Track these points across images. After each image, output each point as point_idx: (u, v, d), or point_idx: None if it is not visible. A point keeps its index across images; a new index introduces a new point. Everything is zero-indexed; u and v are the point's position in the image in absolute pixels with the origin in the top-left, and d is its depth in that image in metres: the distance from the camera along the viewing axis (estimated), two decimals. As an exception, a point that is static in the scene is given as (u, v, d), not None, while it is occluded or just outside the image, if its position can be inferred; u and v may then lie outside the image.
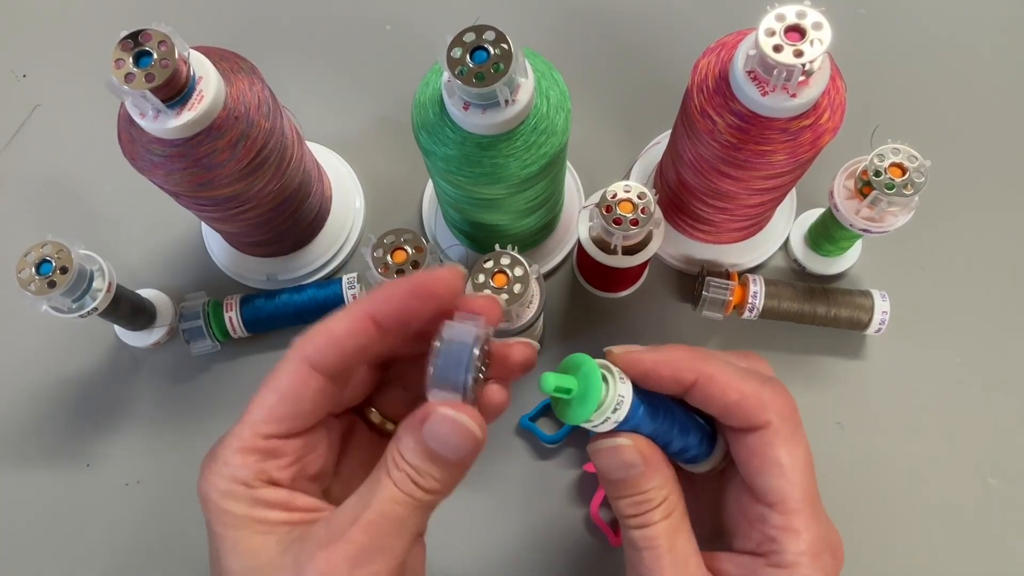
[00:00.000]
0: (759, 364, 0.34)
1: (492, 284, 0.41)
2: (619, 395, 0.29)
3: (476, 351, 0.26)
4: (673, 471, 0.31)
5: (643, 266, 0.52)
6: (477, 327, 0.27)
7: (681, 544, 0.29)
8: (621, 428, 0.30)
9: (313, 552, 0.26)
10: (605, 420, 0.29)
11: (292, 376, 0.27)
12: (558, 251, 0.55)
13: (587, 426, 0.29)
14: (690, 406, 0.31)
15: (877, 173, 0.45)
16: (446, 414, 0.26)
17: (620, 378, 0.29)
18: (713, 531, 0.33)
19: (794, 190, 0.54)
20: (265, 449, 0.27)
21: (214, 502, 0.27)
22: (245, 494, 0.27)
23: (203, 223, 0.57)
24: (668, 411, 0.31)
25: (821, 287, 0.53)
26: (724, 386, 0.29)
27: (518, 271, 0.42)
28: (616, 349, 0.30)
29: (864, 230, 0.48)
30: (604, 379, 0.29)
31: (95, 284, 0.47)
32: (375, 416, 0.33)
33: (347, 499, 0.27)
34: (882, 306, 0.51)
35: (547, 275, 0.56)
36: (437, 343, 0.26)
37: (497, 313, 0.29)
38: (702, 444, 0.31)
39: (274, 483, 0.27)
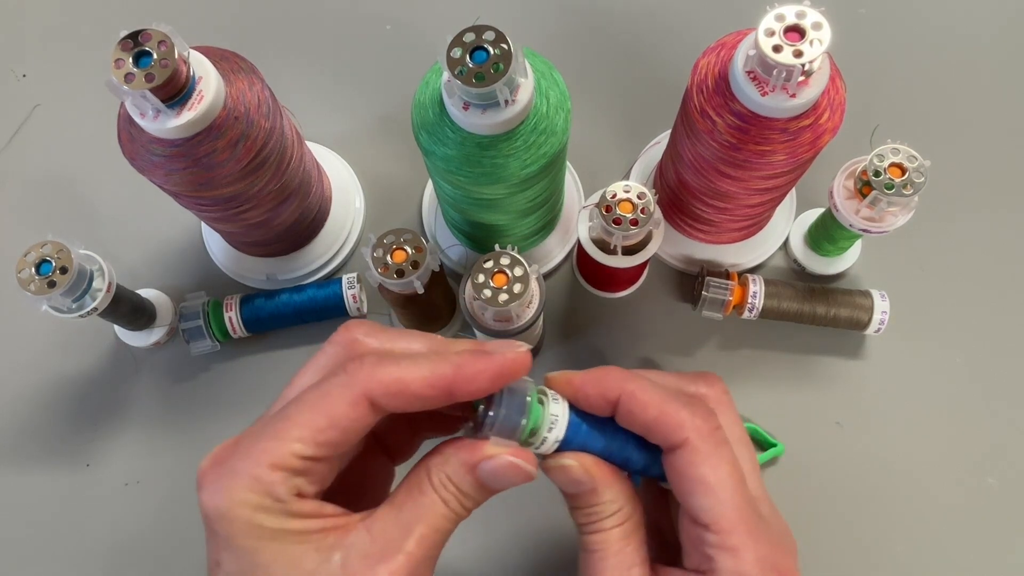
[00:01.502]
0: (711, 387, 0.33)
1: (492, 284, 0.41)
2: (552, 414, 0.29)
3: (530, 399, 0.29)
4: (629, 486, 0.31)
5: (643, 266, 0.52)
6: (530, 384, 0.29)
7: (629, 552, 0.30)
8: (568, 448, 0.30)
9: (372, 565, 0.26)
10: (544, 440, 0.29)
11: (350, 408, 0.27)
12: (558, 251, 0.55)
13: (531, 449, 0.30)
14: None
15: (877, 173, 0.45)
16: (512, 462, 0.28)
17: (554, 398, 0.30)
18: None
19: (794, 190, 0.54)
20: (300, 468, 0.27)
21: (243, 518, 0.26)
22: (280, 508, 0.27)
23: (203, 223, 0.57)
24: (620, 428, 0.31)
25: (821, 287, 0.53)
26: (643, 404, 0.29)
27: (518, 271, 0.41)
28: (552, 374, 0.31)
29: (864, 230, 0.48)
30: (540, 402, 0.30)
31: (95, 284, 0.47)
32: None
33: (381, 511, 0.28)
34: (882, 306, 0.51)
35: (547, 275, 0.56)
36: (499, 393, 0.28)
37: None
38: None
39: (302, 495, 0.27)
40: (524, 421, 0.28)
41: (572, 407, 0.31)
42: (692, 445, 0.29)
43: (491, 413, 0.28)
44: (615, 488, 0.30)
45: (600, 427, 0.31)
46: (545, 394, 0.30)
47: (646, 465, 0.31)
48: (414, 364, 0.28)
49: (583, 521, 0.31)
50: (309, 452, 0.27)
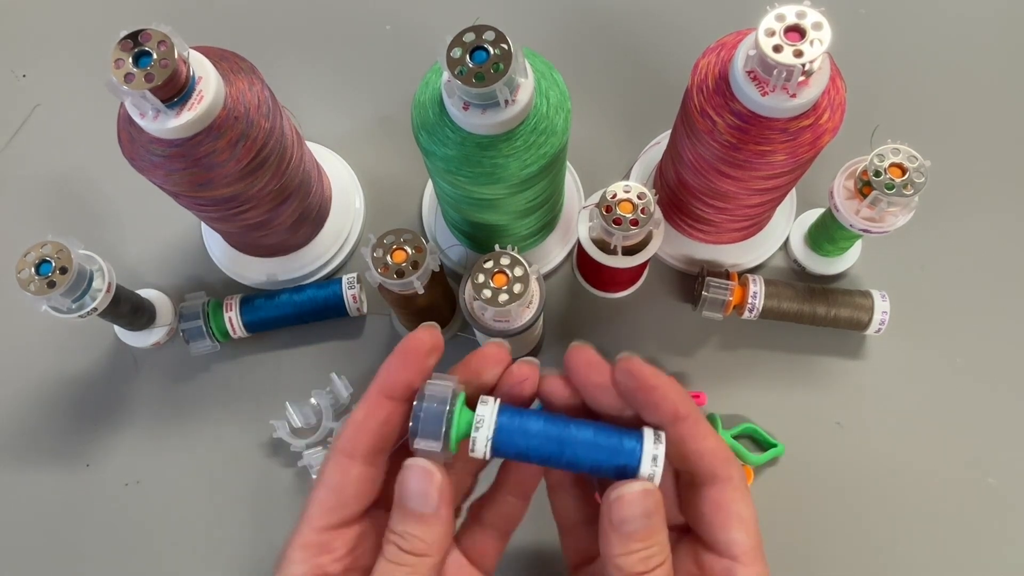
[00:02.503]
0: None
1: (492, 284, 0.41)
2: (478, 415, 0.30)
3: (451, 407, 0.29)
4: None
5: (643, 266, 0.52)
6: (453, 384, 0.30)
7: None
8: (504, 450, 0.30)
9: None
10: (474, 441, 0.29)
11: (334, 468, 0.30)
12: (558, 251, 0.55)
13: (473, 454, 0.30)
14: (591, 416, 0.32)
15: (877, 173, 0.45)
16: (410, 463, 0.29)
17: (483, 401, 0.30)
18: None
19: (794, 190, 0.54)
20: (318, 543, 0.29)
21: None
22: None
23: (203, 223, 0.57)
24: (565, 425, 0.30)
25: (821, 287, 0.53)
26: (703, 433, 0.30)
27: (518, 271, 0.41)
28: (628, 357, 0.31)
29: (864, 230, 0.48)
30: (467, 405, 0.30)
31: (95, 284, 0.47)
32: None
33: None
34: (882, 306, 0.51)
35: (547, 275, 0.56)
36: (416, 402, 0.29)
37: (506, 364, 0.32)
38: (620, 449, 0.30)
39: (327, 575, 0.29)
40: (446, 427, 0.29)
41: (508, 408, 0.30)
42: (735, 482, 0.30)
43: (411, 423, 0.29)
44: (665, 529, 0.30)
45: (540, 427, 0.30)
46: (475, 398, 0.31)
47: (595, 465, 0.30)
48: (359, 403, 0.31)
49: (640, 569, 0.29)
50: (320, 523, 0.29)
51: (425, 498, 0.29)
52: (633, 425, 0.31)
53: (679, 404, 0.30)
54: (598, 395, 0.32)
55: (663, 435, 0.30)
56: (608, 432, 0.30)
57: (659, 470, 0.29)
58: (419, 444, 0.29)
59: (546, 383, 0.33)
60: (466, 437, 0.29)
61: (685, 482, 0.31)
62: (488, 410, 0.30)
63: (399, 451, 0.32)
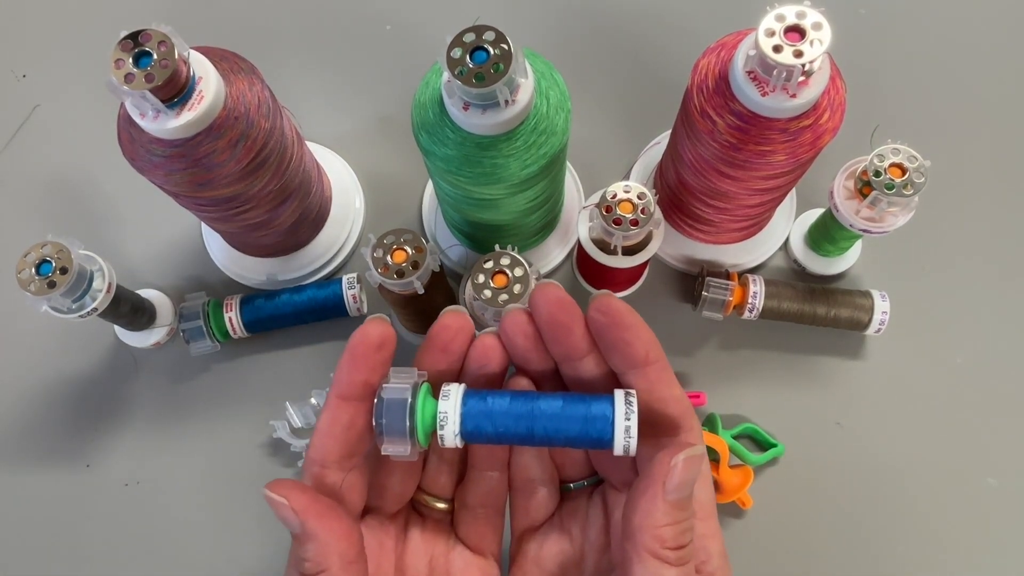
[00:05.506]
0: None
1: (492, 284, 0.41)
2: (442, 411, 0.28)
3: (412, 403, 0.28)
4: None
5: (643, 266, 0.52)
6: (412, 378, 0.29)
7: None
8: (475, 434, 0.29)
9: None
10: (442, 438, 0.29)
11: (307, 481, 0.29)
12: (558, 251, 0.55)
13: (446, 443, 0.29)
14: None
15: (877, 173, 0.45)
16: (263, 490, 0.28)
17: (443, 394, 0.29)
18: (598, 569, 0.32)
19: (794, 190, 0.54)
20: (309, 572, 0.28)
21: None
22: None
23: (203, 223, 0.57)
24: (525, 399, 0.30)
25: (821, 287, 0.53)
26: (673, 380, 0.30)
27: (518, 271, 0.41)
28: (603, 292, 0.30)
29: (864, 230, 0.48)
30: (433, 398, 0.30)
31: (95, 284, 0.47)
32: (421, 497, 0.33)
33: None
34: (882, 306, 0.51)
35: (547, 275, 0.56)
36: (376, 403, 0.28)
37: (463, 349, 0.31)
38: (589, 417, 0.29)
39: None
40: (410, 424, 0.28)
41: (473, 394, 0.29)
42: (696, 436, 0.30)
43: (375, 427, 0.28)
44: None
45: (507, 407, 0.29)
46: (444, 379, 0.30)
47: (570, 438, 0.29)
48: (322, 411, 0.30)
49: (680, 543, 0.28)
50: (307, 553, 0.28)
51: (287, 521, 0.28)
52: (599, 384, 0.30)
53: (650, 347, 0.29)
54: (562, 335, 0.30)
55: (635, 400, 0.28)
56: (577, 402, 0.29)
57: (633, 441, 0.28)
58: (386, 448, 0.28)
59: (507, 337, 0.31)
60: (434, 429, 0.28)
61: (652, 435, 0.30)
62: (451, 404, 0.28)
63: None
